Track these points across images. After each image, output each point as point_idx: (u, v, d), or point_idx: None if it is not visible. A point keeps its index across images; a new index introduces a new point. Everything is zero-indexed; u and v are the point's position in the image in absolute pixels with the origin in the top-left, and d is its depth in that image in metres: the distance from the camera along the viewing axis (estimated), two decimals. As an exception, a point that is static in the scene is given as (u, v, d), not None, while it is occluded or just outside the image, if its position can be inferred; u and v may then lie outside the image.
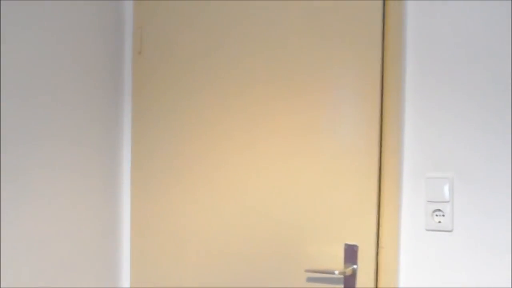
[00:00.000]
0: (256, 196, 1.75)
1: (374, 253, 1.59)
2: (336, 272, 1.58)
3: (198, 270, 1.85)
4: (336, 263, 1.63)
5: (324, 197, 1.65)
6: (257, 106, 1.76)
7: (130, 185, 1.99)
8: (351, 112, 1.63)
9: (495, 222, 1.48)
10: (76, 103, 1.81)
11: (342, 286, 1.62)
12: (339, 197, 1.63)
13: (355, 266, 1.60)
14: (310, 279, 1.67)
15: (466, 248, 1.51)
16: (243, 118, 1.78)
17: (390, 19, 1.60)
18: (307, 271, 1.64)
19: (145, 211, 1.96)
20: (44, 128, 1.70)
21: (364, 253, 1.59)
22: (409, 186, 1.58)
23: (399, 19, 1.59)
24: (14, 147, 1.61)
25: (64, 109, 1.77)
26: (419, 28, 1.58)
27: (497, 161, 1.48)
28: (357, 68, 1.62)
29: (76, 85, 1.81)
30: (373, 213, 1.59)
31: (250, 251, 1.76)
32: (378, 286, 1.59)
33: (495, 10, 1.49)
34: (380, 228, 1.60)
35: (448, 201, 1.53)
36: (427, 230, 1.55)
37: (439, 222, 1.54)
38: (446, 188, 1.53)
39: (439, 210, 1.54)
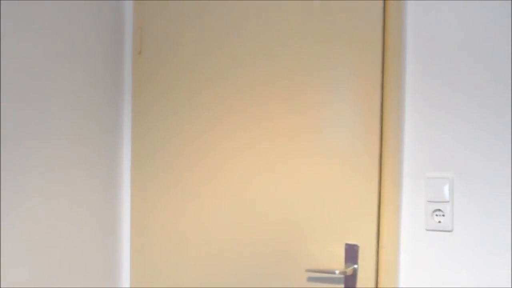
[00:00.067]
0: (257, 195, 1.75)
1: (374, 253, 1.59)
2: (337, 271, 1.58)
3: (198, 270, 1.85)
4: (337, 263, 1.63)
5: (325, 197, 1.65)
6: (257, 106, 1.76)
7: (130, 185, 1.99)
8: (351, 112, 1.63)
9: (495, 222, 1.48)
10: (76, 103, 1.81)
11: (343, 286, 1.62)
12: (339, 197, 1.63)
13: (355, 266, 1.60)
14: (310, 279, 1.67)
15: (466, 248, 1.51)
16: (243, 118, 1.78)
17: (390, 19, 1.60)
18: (307, 270, 1.64)
19: (145, 211, 1.96)
20: (44, 128, 1.70)
21: (365, 253, 1.59)
22: (409, 186, 1.58)
23: (399, 19, 1.59)
24: (14, 147, 1.61)
25: (64, 109, 1.77)
26: (419, 28, 1.58)
27: (497, 161, 1.48)
28: (357, 68, 1.62)
29: (76, 85, 1.81)
30: (374, 213, 1.59)
31: (250, 251, 1.76)
32: (379, 286, 1.59)
33: (495, 10, 1.49)
34: (380, 228, 1.60)
35: (448, 201, 1.53)
36: (427, 230, 1.56)
37: (439, 222, 1.54)
38: (446, 188, 1.53)
39: (439, 210, 1.54)
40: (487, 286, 1.48)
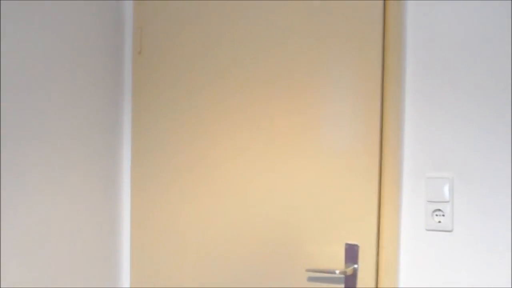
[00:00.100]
0: (256, 195, 1.75)
1: (374, 252, 1.59)
2: (337, 271, 1.58)
3: (198, 270, 1.85)
4: (337, 263, 1.63)
5: (325, 197, 1.65)
6: (257, 106, 1.76)
7: (130, 185, 1.99)
8: (351, 112, 1.63)
9: (495, 222, 1.48)
10: (76, 103, 1.81)
11: (343, 285, 1.62)
12: (339, 197, 1.63)
13: (355, 266, 1.60)
14: (311, 279, 1.67)
15: (466, 248, 1.51)
16: (243, 118, 1.78)
17: (390, 19, 1.60)
18: (307, 270, 1.64)
19: (145, 211, 1.96)
20: (44, 128, 1.70)
21: (365, 253, 1.59)
22: (409, 186, 1.58)
23: (399, 19, 1.59)
24: (14, 146, 1.61)
25: (64, 108, 1.77)
26: (419, 28, 1.58)
27: (497, 161, 1.48)
28: (357, 68, 1.62)
29: (76, 85, 1.81)
30: (374, 213, 1.59)
31: (250, 251, 1.76)
32: (379, 286, 1.59)
33: (495, 10, 1.49)
34: (381, 228, 1.60)
35: (448, 201, 1.53)
36: (427, 230, 1.56)
37: (439, 222, 1.54)
38: (446, 188, 1.53)
39: (439, 210, 1.54)
40: (487, 286, 1.48)
